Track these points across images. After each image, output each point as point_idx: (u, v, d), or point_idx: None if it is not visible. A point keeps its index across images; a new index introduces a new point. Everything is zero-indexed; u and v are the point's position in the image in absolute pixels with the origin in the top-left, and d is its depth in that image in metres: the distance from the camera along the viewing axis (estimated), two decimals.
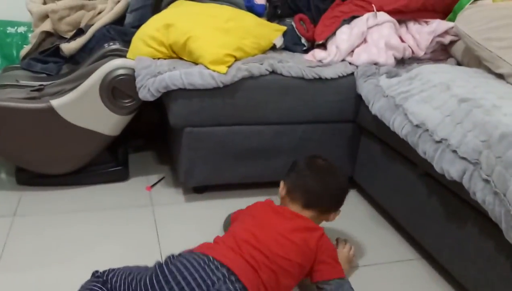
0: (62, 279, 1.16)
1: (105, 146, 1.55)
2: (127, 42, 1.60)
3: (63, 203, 1.49)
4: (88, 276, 1.03)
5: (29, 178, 1.54)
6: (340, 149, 1.62)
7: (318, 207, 1.19)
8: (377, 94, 1.41)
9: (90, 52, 1.62)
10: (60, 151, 1.48)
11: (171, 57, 1.47)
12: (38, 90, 1.48)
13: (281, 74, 1.43)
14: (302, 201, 1.19)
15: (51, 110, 1.41)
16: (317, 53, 1.59)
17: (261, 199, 1.54)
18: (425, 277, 1.28)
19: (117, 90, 1.44)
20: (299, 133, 1.53)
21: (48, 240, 1.31)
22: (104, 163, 1.61)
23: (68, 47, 1.62)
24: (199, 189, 1.60)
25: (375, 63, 1.55)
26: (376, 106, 1.40)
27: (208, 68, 1.37)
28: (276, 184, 1.60)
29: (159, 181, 1.67)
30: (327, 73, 1.48)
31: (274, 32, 1.58)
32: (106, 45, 1.56)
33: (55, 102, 1.41)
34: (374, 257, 1.35)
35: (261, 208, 1.22)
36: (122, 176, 1.64)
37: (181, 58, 1.46)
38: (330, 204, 1.22)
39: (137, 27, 1.62)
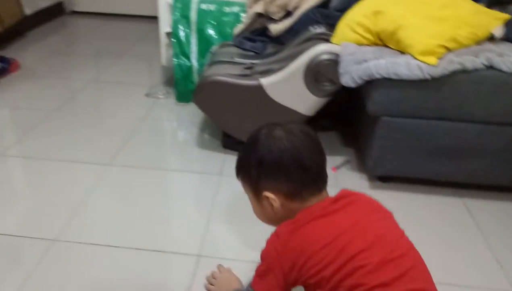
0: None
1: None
2: (331, 26, 1.64)
3: None
4: None
5: (233, 143, 1.73)
6: None
7: (326, 176, 0.92)
8: None
9: (295, 34, 1.72)
10: (260, 124, 1.63)
11: (376, 44, 1.47)
12: (249, 68, 1.64)
13: (499, 70, 1.31)
14: (317, 183, 0.90)
15: (260, 88, 1.55)
16: None
17: (450, 200, 1.52)
18: None
19: (320, 74, 1.50)
20: (509, 135, 1.41)
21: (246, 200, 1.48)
22: None
23: (275, 28, 1.74)
24: (385, 178, 1.60)
25: None
26: None
27: (416, 59, 1.33)
28: (471, 186, 1.55)
29: (344, 163, 1.71)
30: None
31: (494, 21, 1.44)
32: (311, 28, 1.63)
33: (264, 81, 1.54)
34: None
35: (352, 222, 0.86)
36: None
37: (386, 46, 1.45)
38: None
39: (342, 10, 1.65)
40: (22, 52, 2.75)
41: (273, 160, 0.88)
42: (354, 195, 0.92)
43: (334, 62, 1.47)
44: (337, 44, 1.49)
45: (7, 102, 2.11)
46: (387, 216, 0.92)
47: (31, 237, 1.28)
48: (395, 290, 0.77)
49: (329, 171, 1.65)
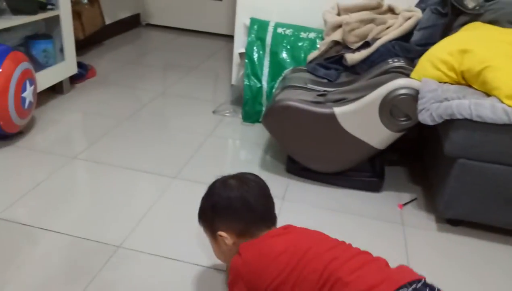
0: None
1: (369, 156, 1.62)
2: (409, 60, 1.61)
3: (321, 199, 1.63)
4: None
5: (297, 169, 1.73)
6: None
7: (274, 216, 1.10)
8: None
9: (371, 65, 1.69)
10: (330, 153, 1.62)
11: (458, 83, 1.42)
12: (322, 95, 1.63)
13: None
14: (264, 222, 1.06)
15: (332, 116, 1.53)
16: None
17: None
18: None
19: (396, 108, 1.47)
20: None
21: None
22: (362, 171, 1.68)
23: (351, 58, 1.72)
24: (454, 221, 1.53)
25: None
26: None
27: (503, 102, 1.28)
28: None
29: (411, 201, 1.65)
30: None
31: None
32: (390, 61, 1.60)
33: (337, 110, 1.53)
34: None
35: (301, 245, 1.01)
36: (376, 187, 1.69)
37: (469, 86, 1.40)
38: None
39: (423, 45, 1.62)
40: (98, 59, 2.89)
41: (224, 205, 1.06)
42: (298, 227, 1.08)
43: (412, 97, 1.44)
44: (416, 80, 1.46)
45: (81, 107, 2.22)
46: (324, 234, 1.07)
47: (97, 241, 1.32)
48: (343, 257, 0.93)
49: (396, 208, 1.62)
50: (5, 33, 1.92)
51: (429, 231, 1.51)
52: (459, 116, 1.31)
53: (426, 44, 1.59)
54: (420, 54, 1.55)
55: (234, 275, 1.02)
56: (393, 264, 1.01)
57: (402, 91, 1.45)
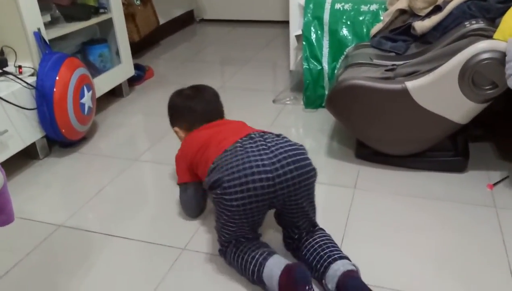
0: (398, 260, 1.15)
1: (450, 133, 1.44)
2: (490, 20, 1.41)
3: (398, 185, 1.48)
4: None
5: (368, 154, 1.58)
6: None
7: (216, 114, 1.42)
8: None
9: (444, 31, 1.50)
10: (403, 133, 1.46)
11: None
12: (390, 70, 1.47)
13: None
14: (205, 119, 1.36)
15: (404, 91, 1.38)
16: None
17: None
18: None
19: (479, 75, 1.28)
20: None
21: (385, 219, 1.33)
22: (443, 150, 1.51)
23: (421, 26, 1.54)
24: None
25: None
26: None
27: None
28: None
29: (502, 179, 1.45)
30: None
31: None
32: (467, 24, 1.41)
33: (410, 84, 1.37)
34: None
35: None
36: (460, 167, 1.51)
37: None
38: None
39: (504, 2, 1.41)
40: (156, 60, 2.90)
41: (173, 108, 1.44)
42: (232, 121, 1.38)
43: (498, 61, 1.25)
44: (501, 41, 1.26)
45: (142, 108, 2.22)
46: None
47: (162, 244, 1.28)
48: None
49: (485, 189, 1.43)
50: (61, 41, 1.94)
51: None
52: None
53: (509, 0, 1.38)
54: (502, 12, 1.34)
55: (177, 161, 1.36)
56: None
57: (485, 55, 1.26)
